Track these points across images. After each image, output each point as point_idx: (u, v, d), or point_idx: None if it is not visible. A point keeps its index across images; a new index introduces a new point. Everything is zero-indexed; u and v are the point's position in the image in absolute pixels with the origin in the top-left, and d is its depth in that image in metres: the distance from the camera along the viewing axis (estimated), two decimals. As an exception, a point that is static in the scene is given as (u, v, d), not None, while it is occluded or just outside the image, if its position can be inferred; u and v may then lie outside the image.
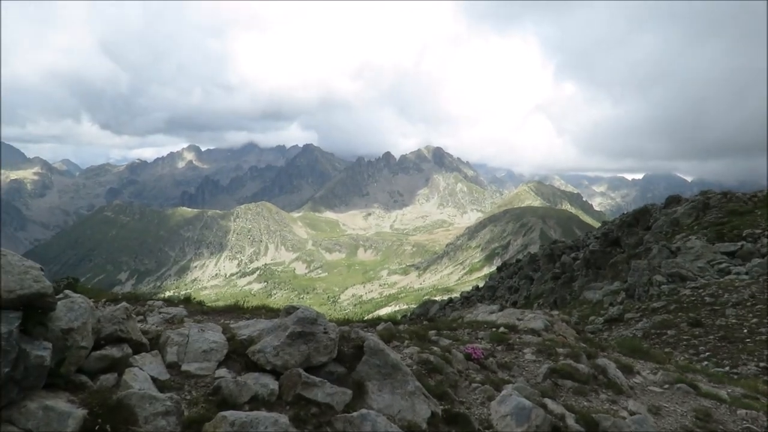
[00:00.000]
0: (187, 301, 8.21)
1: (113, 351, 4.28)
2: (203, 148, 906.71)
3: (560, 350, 7.42)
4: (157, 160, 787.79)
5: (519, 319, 9.19)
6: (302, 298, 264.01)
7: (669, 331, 12.85)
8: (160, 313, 6.66)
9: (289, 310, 4.93)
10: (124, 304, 4.46)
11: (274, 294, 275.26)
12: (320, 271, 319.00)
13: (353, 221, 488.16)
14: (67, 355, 3.84)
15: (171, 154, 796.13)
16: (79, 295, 4.23)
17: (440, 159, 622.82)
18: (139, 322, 5.90)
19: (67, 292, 4.27)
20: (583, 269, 29.29)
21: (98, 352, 4.23)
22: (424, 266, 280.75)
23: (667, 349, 11.68)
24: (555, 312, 11.45)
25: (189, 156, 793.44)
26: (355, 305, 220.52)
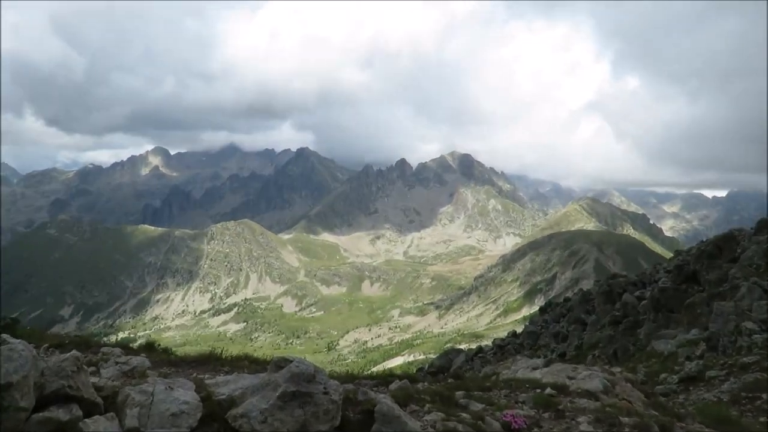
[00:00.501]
0: (150, 348, 8.14)
1: (59, 413, 4.19)
2: (172, 151, 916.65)
3: (625, 419, 7.31)
4: (114, 165, 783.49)
5: (570, 378, 9.08)
6: (291, 343, 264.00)
7: (764, 395, 12.55)
8: (117, 363, 6.64)
9: (280, 363, 4.91)
10: (74, 352, 4.37)
11: (256, 337, 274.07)
12: (314, 309, 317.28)
13: (357, 246, 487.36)
14: (2, 419, 3.75)
15: (132, 158, 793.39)
16: (19, 340, 4.19)
17: (468, 169, 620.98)
18: (91, 374, 5.77)
19: (4, 336, 4.20)
20: (651, 312, 29.25)
21: (41, 414, 4.15)
22: (446, 305, 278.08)
23: (762, 418, 11.40)
24: (616, 368, 11.46)
25: (154, 160, 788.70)
26: (358, 353, 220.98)
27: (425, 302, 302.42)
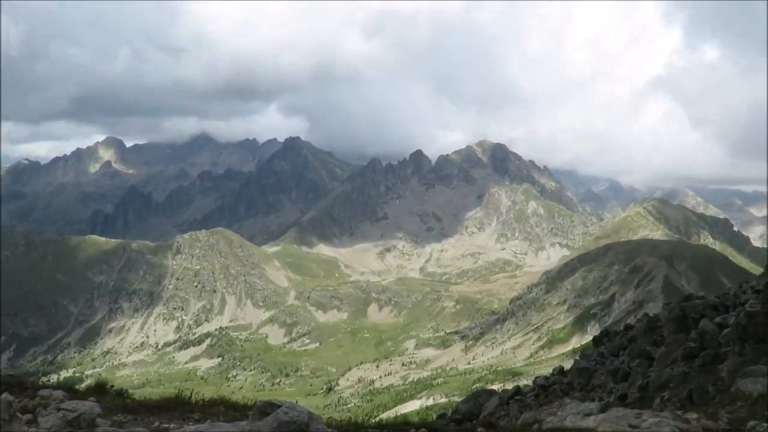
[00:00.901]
0: (100, 390, 7.97)
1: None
2: (128, 143, 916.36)
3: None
4: (56, 160, 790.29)
5: (633, 426, 9.04)
6: (278, 383, 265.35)
7: None
8: (59, 409, 6.38)
9: (265, 408, 4.66)
10: (5, 396, 4.27)
11: (234, 376, 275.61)
12: (308, 340, 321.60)
13: (362, 261, 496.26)
14: None
15: (78, 152, 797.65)
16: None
17: (502, 163, 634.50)
18: (26, 423, 5.62)
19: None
20: (736, 343, 28.72)
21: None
22: (474, 334, 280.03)
23: None
24: (691, 414, 11.63)
25: (106, 154, 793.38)
26: (363, 396, 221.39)
27: (448, 331, 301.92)
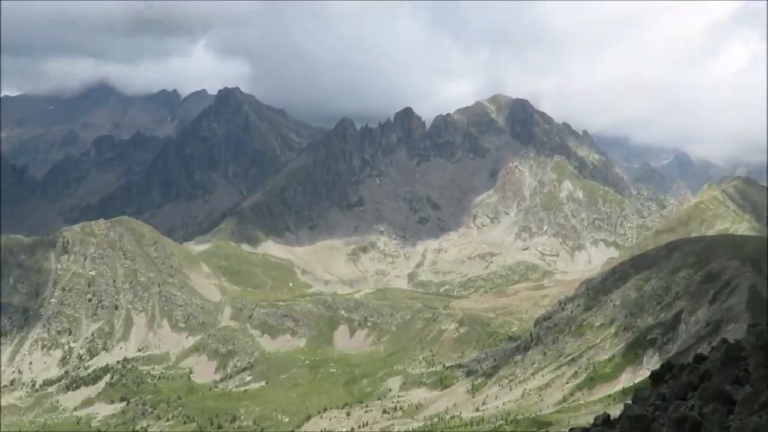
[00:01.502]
0: None
1: None
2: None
3: None
4: None
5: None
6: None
7: None
8: None
9: None
10: None
11: (145, 429, 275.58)
12: (249, 377, 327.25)
13: (327, 264, 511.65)
14: None
15: None
16: None
17: (525, 126, 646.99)
18: None
19: None
20: None
21: None
22: (485, 369, 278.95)
23: None
24: None
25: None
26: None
27: (447, 365, 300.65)
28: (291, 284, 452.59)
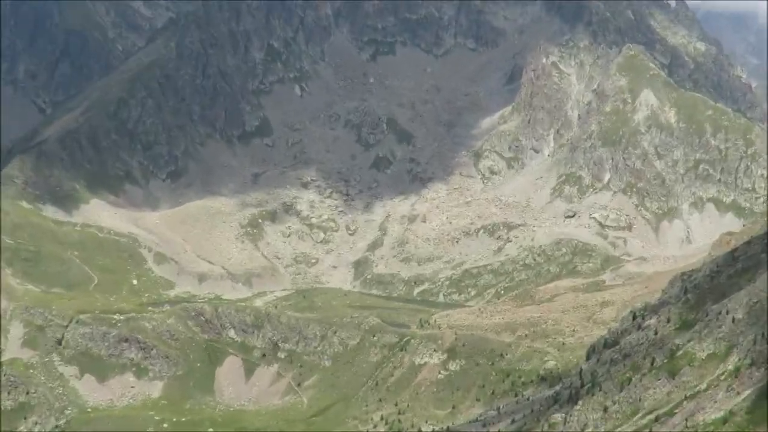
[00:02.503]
0: None
1: None
2: None
3: None
4: None
5: None
6: None
7: None
8: None
9: None
10: None
11: None
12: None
13: (205, 242, 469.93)
14: None
15: None
16: None
17: None
18: None
19: None
20: None
21: None
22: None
23: None
24: None
25: None
26: None
27: (428, 430, 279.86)
28: (135, 281, 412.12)
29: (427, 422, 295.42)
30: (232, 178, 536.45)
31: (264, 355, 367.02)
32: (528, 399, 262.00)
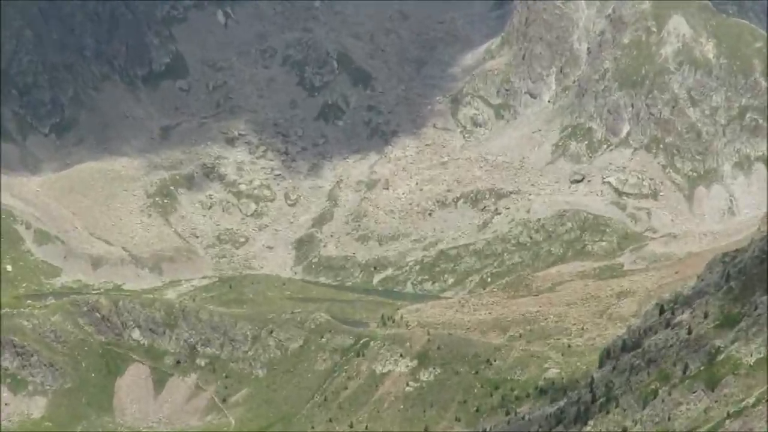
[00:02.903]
0: None
1: None
2: None
3: None
4: None
5: None
6: None
7: None
8: None
9: None
10: None
11: None
12: None
13: (100, 214, 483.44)
14: None
15: None
16: None
17: None
18: None
19: None
20: None
21: None
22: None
23: None
24: None
25: None
26: None
27: None
28: (10, 267, 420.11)
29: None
30: (135, 132, 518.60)
31: (178, 363, 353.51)
32: (523, 418, 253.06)
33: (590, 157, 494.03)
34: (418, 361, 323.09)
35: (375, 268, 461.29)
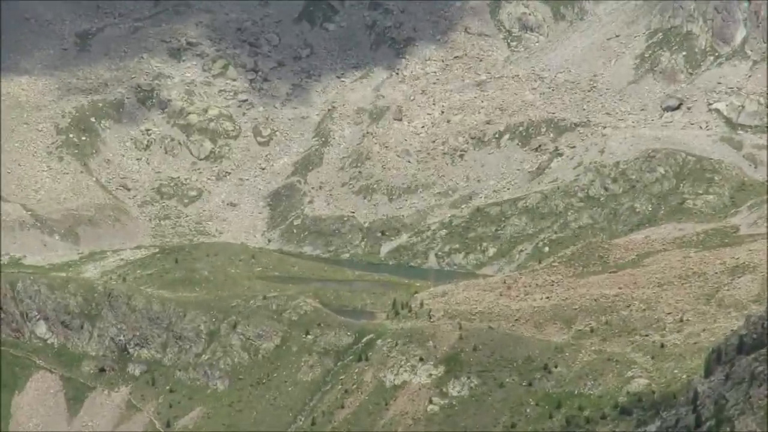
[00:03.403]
0: None
1: None
2: None
3: None
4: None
5: None
6: None
7: None
8: None
9: None
10: None
11: None
12: None
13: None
14: None
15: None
16: None
17: None
18: None
19: None
20: None
21: None
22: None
23: None
24: None
25: None
26: None
27: None
28: None
29: None
30: (40, 40, 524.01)
31: (102, 371, 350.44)
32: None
33: (690, 74, 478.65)
34: (446, 367, 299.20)
35: (383, 233, 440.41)
